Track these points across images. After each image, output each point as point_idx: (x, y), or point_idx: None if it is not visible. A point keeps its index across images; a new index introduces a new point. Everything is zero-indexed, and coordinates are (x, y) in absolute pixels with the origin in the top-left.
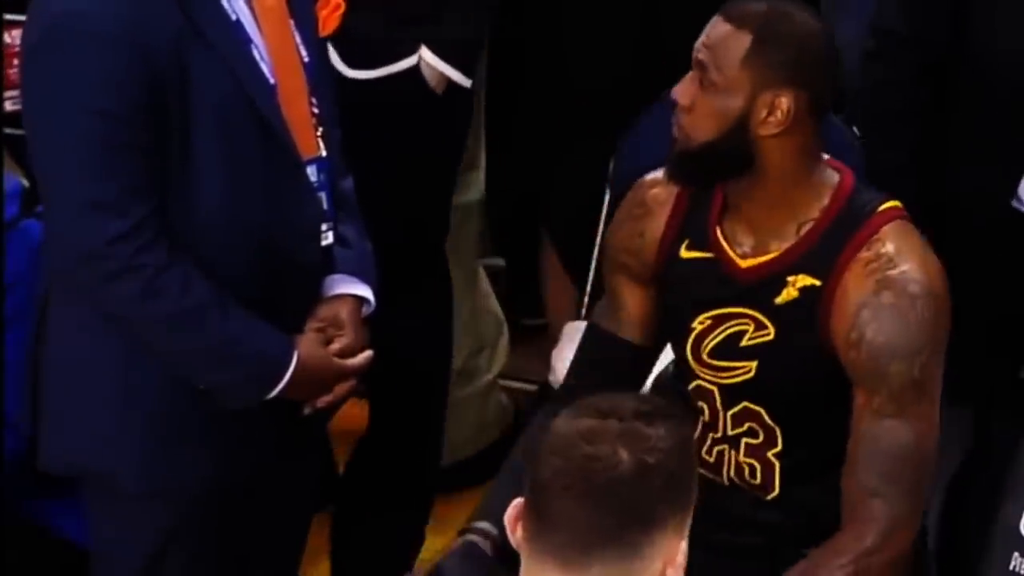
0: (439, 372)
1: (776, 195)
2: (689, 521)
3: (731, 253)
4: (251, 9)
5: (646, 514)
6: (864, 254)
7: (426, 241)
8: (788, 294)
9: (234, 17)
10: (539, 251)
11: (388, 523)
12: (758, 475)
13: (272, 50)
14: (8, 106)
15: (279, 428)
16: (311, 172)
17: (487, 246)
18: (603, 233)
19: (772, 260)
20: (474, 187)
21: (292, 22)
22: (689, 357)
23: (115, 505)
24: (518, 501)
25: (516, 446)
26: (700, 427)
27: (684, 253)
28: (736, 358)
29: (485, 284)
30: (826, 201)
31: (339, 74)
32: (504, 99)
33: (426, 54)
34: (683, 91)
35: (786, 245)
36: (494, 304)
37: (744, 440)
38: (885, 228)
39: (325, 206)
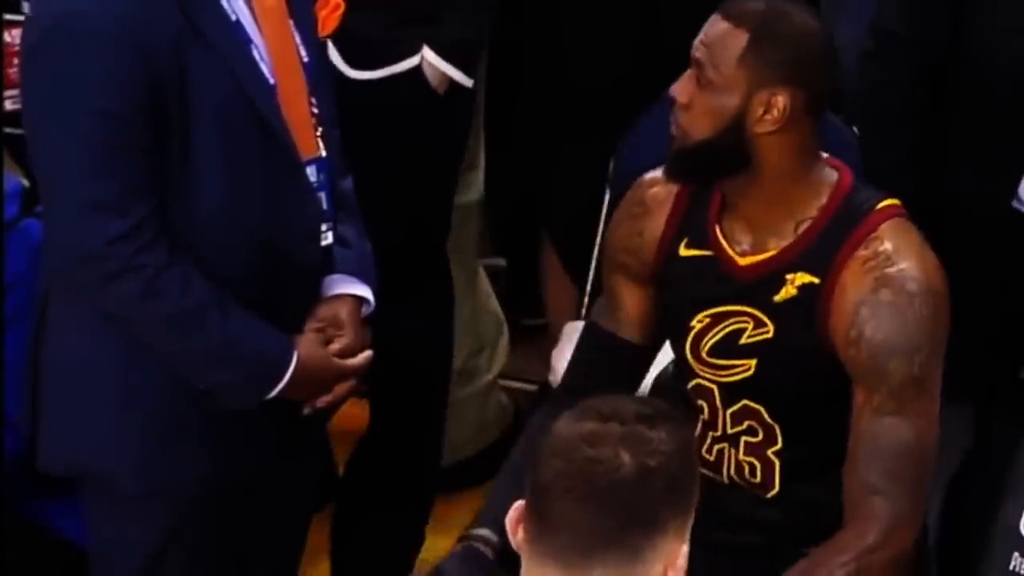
0: (440, 372)
1: (774, 193)
2: (690, 524)
3: (730, 251)
4: (251, 9)
5: (648, 517)
6: (862, 252)
7: (428, 241)
8: (787, 292)
9: (234, 17)
10: (539, 251)
11: (388, 523)
12: (758, 473)
13: (272, 50)
14: (8, 105)
15: (279, 428)
16: (311, 172)
17: (487, 246)
18: (603, 233)
19: (771, 258)
20: (474, 187)
21: (292, 22)
22: (688, 355)
23: (115, 505)
24: (519, 503)
25: (515, 446)
26: (700, 426)
27: (683, 251)
28: (735, 356)
29: (485, 284)
30: (824, 199)
31: (341, 75)
32: (504, 99)
33: (428, 54)
34: (681, 89)
35: (784, 243)
36: (494, 304)
37: (744, 438)
38: (883, 226)
39: (325, 206)
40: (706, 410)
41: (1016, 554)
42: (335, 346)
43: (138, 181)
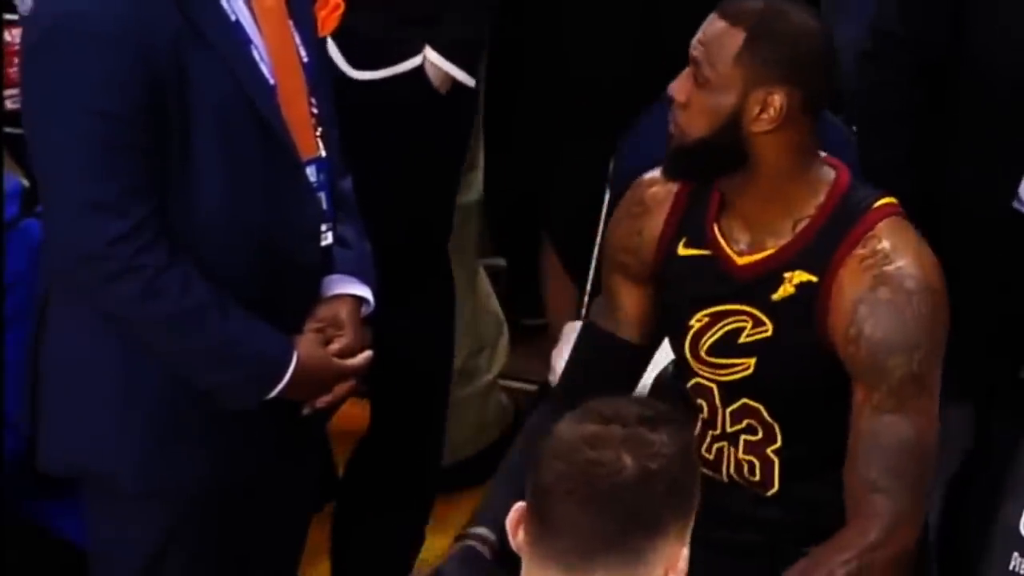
0: (440, 372)
1: (771, 192)
2: (691, 526)
3: (728, 250)
4: (251, 10)
5: (649, 520)
6: (860, 250)
7: (430, 241)
8: (785, 291)
9: (234, 18)
10: (539, 251)
11: (388, 523)
12: (757, 472)
13: (272, 51)
14: (8, 105)
15: (279, 428)
16: (310, 172)
17: (487, 246)
18: (603, 233)
19: (768, 257)
20: (474, 187)
21: (291, 22)
22: (687, 354)
23: (115, 505)
24: (520, 505)
25: (513, 446)
26: (699, 424)
27: (682, 251)
28: (734, 355)
29: (485, 284)
30: (822, 198)
31: (343, 75)
32: (503, 99)
33: (431, 54)
34: (679, 87)
35: (782, 242)
36: (494, 304)
37: (743, 437)
38: (880, 224)
39: (324, 206)
40: (705, 409)
41: (1016, 554)
42: (335, 346)
43: (138, 181)
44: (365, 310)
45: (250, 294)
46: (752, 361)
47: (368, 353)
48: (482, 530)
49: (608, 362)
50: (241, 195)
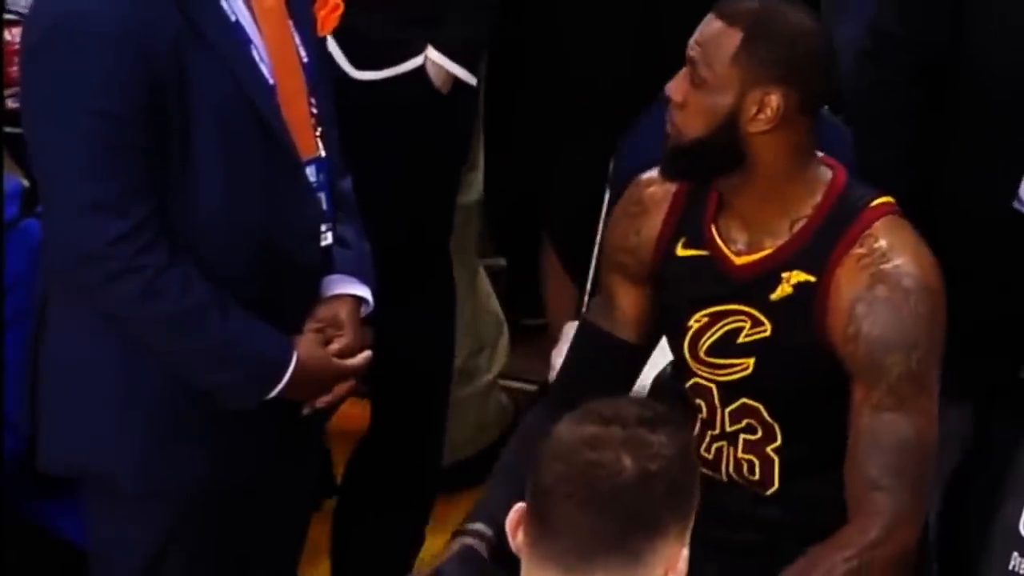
0: (441, 372)
1: (768, 191)
2: (691, 527)
3: (726, 250)
4: (250, 10)
5: (649, 521)
6: (857, 250)
7: (430, 241)
8: (783, 290)
9: (233, 18)
10: (539, 251)
11: (388, 523)
12: (757, 471)
13: (271, 51)
14: (8, 104)
15: (278, 428)
16: (310, 172)
17: (487, 246)
18: (603, 233)
19: (766, 257)
20: (474, 187)
21: (291, 22)
22: (686, 355)
23: (115, 505)
24: (519, 506)
25: (508, 445)
26: (698, 424)
27: (680, 251)
28: (733, 355)
29: (486, 284)
30: (819, 198)
31: (345, 75)
32: (503, 99)
33: (432, 54)
34: (676, 87)
35: (780, 242)
36: (494, 304)
37: (743, 436)
38: (878, 223)
39: (324, 206)
40: (704, 409)
41: (1016, 554)
42: (334, 346)
43: (138, 181)
44: (365, 310)
45: (250, 294)
46: (751, 361)
47: (368, 353)
48: (479, 526)
49: (605, 361)
50: (241, 195)
